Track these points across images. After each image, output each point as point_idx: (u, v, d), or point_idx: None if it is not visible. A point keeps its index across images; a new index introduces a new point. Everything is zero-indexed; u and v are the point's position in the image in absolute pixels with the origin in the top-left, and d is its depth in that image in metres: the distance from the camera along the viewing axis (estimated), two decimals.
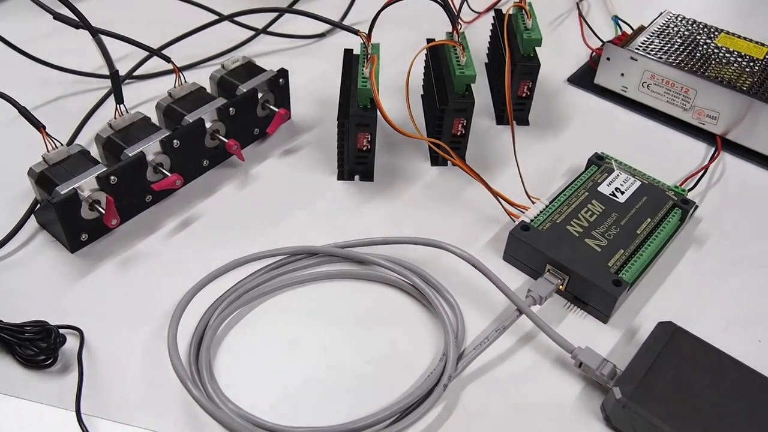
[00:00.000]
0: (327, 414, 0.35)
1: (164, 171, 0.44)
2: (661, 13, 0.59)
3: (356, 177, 0.48)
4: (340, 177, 0.48)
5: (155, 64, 0.55)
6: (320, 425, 0.34)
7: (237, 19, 0.59)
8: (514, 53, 0.51)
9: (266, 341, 0.38)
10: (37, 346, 0.36)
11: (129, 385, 0.36)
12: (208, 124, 0.46)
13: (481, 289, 0.41)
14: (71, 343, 0.37)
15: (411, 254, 0.42)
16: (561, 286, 0.41)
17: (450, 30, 0.48)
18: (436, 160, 0.50)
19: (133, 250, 0.43)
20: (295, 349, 0.38)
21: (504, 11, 0.52)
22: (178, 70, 0.46)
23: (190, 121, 0.45)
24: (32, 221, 0.44)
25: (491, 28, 0.58)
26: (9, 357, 0.36)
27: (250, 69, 0.50)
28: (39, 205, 0.43)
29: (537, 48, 0.51)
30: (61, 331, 0.37)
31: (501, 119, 0.54)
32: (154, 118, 0.47)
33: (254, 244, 0.43)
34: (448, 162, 0.50)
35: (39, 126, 0.41)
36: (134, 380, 0.36)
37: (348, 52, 0.49)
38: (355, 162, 0.47)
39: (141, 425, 0.34)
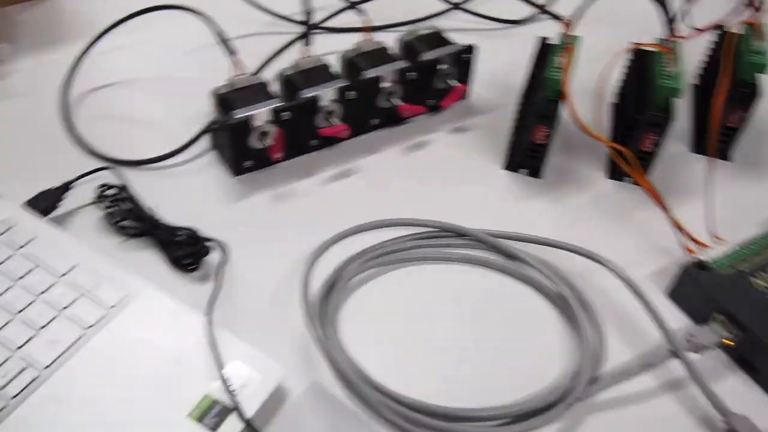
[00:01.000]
0: (435, 393, 0.36)
1: (334, 119, 0.47)
2: None
3: (523, 171, 0.49)
4: (507, 167, 0.49)
5: (347, 19, 0.59)
6: (427, 401, 0.35)
7: None
8: (732, 75, 0.48)
9: (394, 307, 0.40)
10: (184, 249, 0.40)
11: (258, 308, 0.39)
12: (385, 84, 0.49)
13: (632, 318, 0.40)
14: (214, 258, 0.41)
15: (563, 261, 0.42)
16: (729, 342, 0.38)
17: (662, 37, 0.47)
18: (614, 173, 0.49)
19: (289, 187, 0.46)
20: (421, 322, 0.39)
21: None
22: (368, 28, 0.50)
23: (368, 77, 0.48)
24: (206, 140, 0.49)
25: (711, 46, 0.55)
26: (161, 254, 0.41)
27: (438, 39, 0.52)
28: (214, 125, 0.48)
29: (761, 75, 0.48)
30: (208, 244, 0.41)
31: (698, 147, 0.51)
32: (337, 69, 0.50)
33: (402, 210, 0.44)
34: (626, 178, 0.48)
35: (232, 51, 0.47)
36: (263, 306, 0.39)
37: (543, 40, 0.50)
38: (527, 155, 0.47)
39: (260, 347, 0.36)
